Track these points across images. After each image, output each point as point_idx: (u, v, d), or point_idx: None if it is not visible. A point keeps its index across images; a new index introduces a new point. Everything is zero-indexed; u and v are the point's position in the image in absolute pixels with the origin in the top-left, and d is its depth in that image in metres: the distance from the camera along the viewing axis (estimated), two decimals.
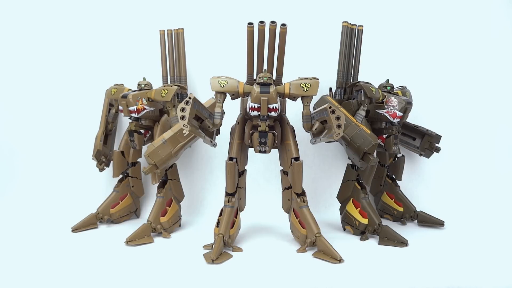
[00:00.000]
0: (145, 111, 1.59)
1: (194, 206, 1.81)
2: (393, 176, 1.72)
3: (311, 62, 1.80)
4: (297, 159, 1.38)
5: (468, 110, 1.87)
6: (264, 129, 1.33)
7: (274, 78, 1.38)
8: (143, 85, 1.65)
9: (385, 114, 1.51)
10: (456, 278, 1.14)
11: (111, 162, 1.73)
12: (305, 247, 1.34)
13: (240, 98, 1.41)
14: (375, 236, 1.47)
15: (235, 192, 1.41)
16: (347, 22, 1.61)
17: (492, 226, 1.60)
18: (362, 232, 1.48)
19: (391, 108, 1.50)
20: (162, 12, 1.88)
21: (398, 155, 1.71)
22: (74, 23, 1.94)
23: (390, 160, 1.71)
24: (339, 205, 1.60)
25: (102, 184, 1.86)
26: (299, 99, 1.36)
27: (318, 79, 1.35)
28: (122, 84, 1.75)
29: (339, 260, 1.24)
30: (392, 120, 1.51)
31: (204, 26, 1.86)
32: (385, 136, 1.56)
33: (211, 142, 1.35)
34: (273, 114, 1.31)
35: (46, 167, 1.95)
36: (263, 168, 1.83)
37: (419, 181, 1.84)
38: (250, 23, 1.28)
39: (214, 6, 1.87)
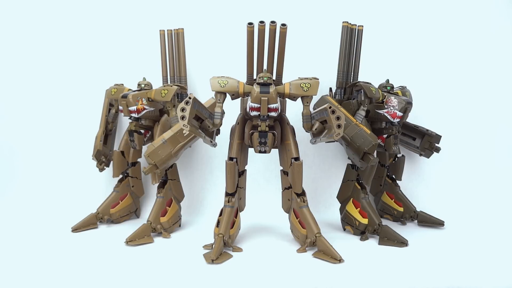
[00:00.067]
0: (145, 111, 1.59)
1: (194, 206, 1.81)
2: (393, 176, 1.72)
3: (311, 62, 1.80)
4: (297, 159, 1.38)
5: (468, 110, 1.87)
6: (264, 129, 1.33)
7: (274, 78, 1.38)
8: (143, 85, 1.65)
9: (385, 114, 1.51)
10: (456, 278, 1.14)
11: (111, 162, 1.73)
12: (305, 247, 1.34)
13: (240, 98, 1.41)
14: (375, 236, 1.47)
15: (235, 192, 1.41)
16: (347, 22, 1.61)
17: (492, 226, 1.60)
18: (362, 232, 1.48)
19: (391, 108, 1.50)
20: (162, 12, 1.88)
21: (398, 155, 1.71)
22: (74, 23, 1.94)
23: (390, 160, 1.71)
24: (339, 205, 1.60)
25: (102, 184, 1.86)
26: (299, 99, 1.36)
27: (318, 79, 1.35)
28: (122, 84, 1.75)
29: (339, 260, 1.24)
30: (392, 120, 1.51)
31: (204, 26, 1.86)
32: (385, 136, 1.56)
33: (211, 142, 1.35)
34: (273, 114, 1.31)
35: (46, 167, 1.95)
36: (263, 168, 1.83)
37: (419, 181, 1.84)
38: (250, 23, 1.28)
39: (214, 6, 1.87)
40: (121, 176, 1.72)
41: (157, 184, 1.58)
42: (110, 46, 1.92)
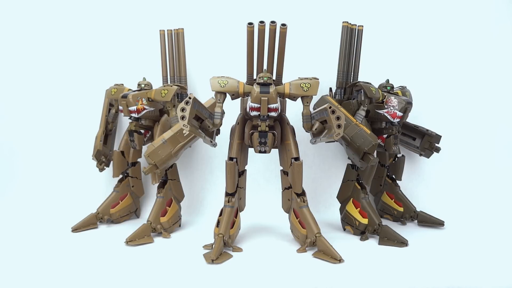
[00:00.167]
0: (145, 111, 1.59)
1: (194, 206, 1.81)
2: (393, 176, 1.72)
3: (311, 62, 1.80)
4: (297, 159, 1.38)
5: (468, 110, 1.87)
6: (264, 129, 1.33)
7: (274, 78, 1.38)
8: (143, 85, 1.65)
9: (385, 114, 1.51)
10: (456, 278, 1.14)
11: (111, 162, 1.73)
12: (305, 247, 1.34)
13: (240, 98, 1.41)
14: (375, 236, 1.47)
15: (235, 192, 1.41)
16: (347, 22, 1.61)
17: (492, 226, 1.60)
18: (362, 232, 1.48)
19: (391, 108, 1.50)
20: (162, 12, 1.88)
21: (398, 155, 1.71)
22: (74, 23, 1.94)
23: (390, 160, 1.71)
24: (339, 205, 1.60)
25: (102, 184, 1.86)
26: (299, 99, 1.36)
27: (318, 79, 1.35)
28: (122, 84, 1.75)
29: (339, 260, 1.24)
30: (392, 120, 1.51)
31: (204, 26, 1.86)
32: (385, 136, 1.56)
33: (211, 142, 1.35)
34: (273, 114, 1.31)
35: (46, 167, 1.95)
36: (263, 168, 1.83)
37: (419, 181, 1.84)
38: (250, 23, 1.28)
39: (214, 6, 1.87)
40: (121, 176, 1.72)
41: (157, 184, 1.58)
42: (110, 46, 1.92)
